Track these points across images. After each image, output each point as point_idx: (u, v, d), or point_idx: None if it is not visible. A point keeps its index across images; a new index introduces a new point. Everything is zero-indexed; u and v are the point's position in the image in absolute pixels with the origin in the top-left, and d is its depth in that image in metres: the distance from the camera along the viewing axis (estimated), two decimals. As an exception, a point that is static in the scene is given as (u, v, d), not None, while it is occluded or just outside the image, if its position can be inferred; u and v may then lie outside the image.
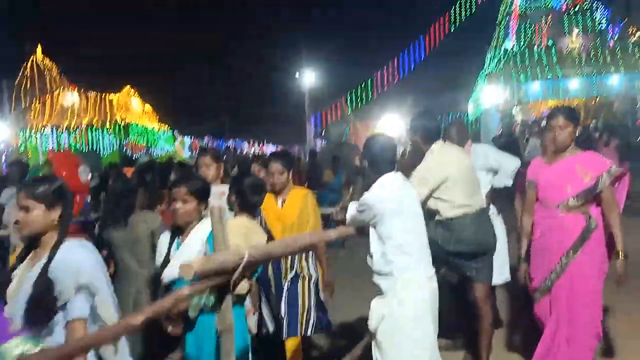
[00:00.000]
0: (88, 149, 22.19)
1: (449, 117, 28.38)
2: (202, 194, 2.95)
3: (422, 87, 30.33)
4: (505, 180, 4.24)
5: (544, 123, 19.14)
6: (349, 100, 29.75)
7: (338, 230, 3.15)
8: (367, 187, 2.93)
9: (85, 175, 5.46)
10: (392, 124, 26.58)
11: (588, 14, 21.57)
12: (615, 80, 20.39)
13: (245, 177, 3.48)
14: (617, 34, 20.62)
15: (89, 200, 5.88)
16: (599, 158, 3.13)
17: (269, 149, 41.21)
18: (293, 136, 36.08)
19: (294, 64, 29.77)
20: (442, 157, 3.42)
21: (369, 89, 29.14)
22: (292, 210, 3.72)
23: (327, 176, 9.80)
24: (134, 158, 13.86)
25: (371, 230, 2.84)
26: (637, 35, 18.90)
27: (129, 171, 5.25)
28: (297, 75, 29.31)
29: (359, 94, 29.41)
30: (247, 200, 3.16)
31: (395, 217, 2.77)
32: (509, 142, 11.53)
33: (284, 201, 3.77)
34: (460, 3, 25.87)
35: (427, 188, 3.32)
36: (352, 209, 2.98)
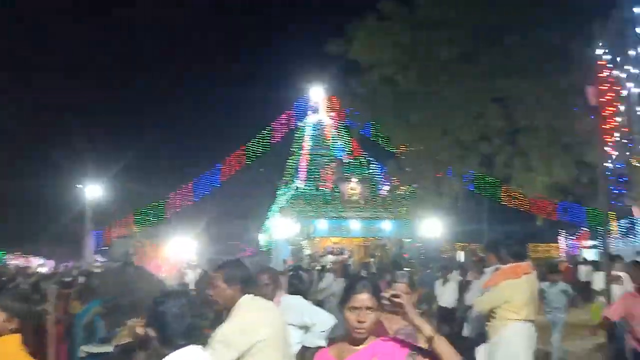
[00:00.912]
0: None
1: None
2: None
3: (215, 213, 30.44)
4: (317, 340, 3.84)
5: (331, 258, 20.61)
6: (137, 218, 28.25)
7: None
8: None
9: None
10: (182, 246, 25.68)
11: (365, 166, 25.01)
12: (387, 225, 23.34)
13: None
14: (388, 187, 24.11)
15: None
16: (396, 343, 2.34)
17: (37, 262, 35.85)
18: (69, 252, 32.06)
19: (75, 176, 27.47)
20: (252, 314, 2.88)
21: (160, 208, 28.17)
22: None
23: (73, 307, 7.34)
24: None
25: None
26: (403, 190, 22.28)
27: None
28: (79, 186, 26.94)
29: (148, 213, 28.13)
30: None
31: None
32: (294, 277, 11.72)
33: None
34: (256, 139, 27.71)
35: (231, 355, 2.70)
36: None
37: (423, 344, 2.22)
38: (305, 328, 3.86)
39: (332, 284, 9.15)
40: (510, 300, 4.04)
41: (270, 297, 3.45)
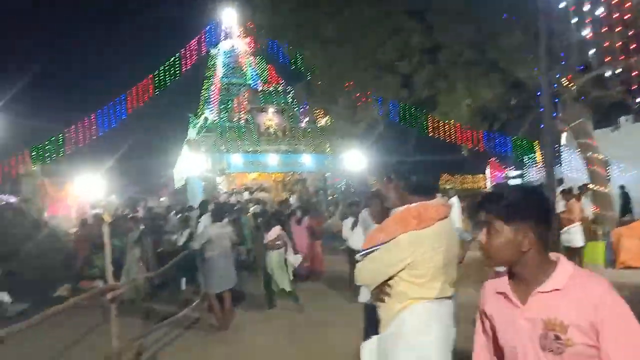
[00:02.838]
0: None
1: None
2: None
3: (124, 148, 28.05)
4: None
5: (247, 196, 18.98)
6: (33, 155, 25.42)
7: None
8: None
9: None
10: (87, 184, 23.36)
11: (282, 95, 22.94)
12: (307, 159, 21.78)
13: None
14: (307, 117, 22.33)
15: None
16: None
17: None
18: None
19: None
20: None
21: (60, 143, 25.40)
22: None
23: None
24: None
25: None
26: (324, 121, 20.65)
27: None
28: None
29: (45, 148, 25.36)
30: None
31: None
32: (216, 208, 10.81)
33: None
34: (165, 68, 25.13)
35: None
36: None
37: None
38: None
39: (207, 228, 6.99)
40: (413, 266, 2.48)
41: None
